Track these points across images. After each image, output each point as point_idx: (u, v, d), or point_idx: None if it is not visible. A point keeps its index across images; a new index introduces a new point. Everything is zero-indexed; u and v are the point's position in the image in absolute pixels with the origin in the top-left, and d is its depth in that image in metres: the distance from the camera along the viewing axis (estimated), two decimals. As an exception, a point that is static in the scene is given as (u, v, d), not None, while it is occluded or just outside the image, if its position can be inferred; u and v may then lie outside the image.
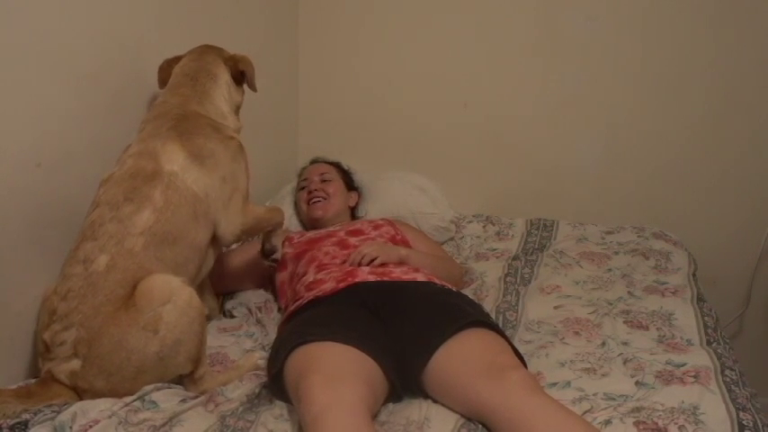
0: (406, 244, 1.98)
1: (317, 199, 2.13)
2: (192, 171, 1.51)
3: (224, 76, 1.68)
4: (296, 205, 2.29)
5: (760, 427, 1.28)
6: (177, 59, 1.72)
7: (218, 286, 1.91)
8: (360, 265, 1.75)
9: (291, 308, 1.66)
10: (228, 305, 1.91)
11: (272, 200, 2.42)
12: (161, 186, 1.46)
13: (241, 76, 1.72)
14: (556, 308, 1.82)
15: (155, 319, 1.34)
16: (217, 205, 1.55)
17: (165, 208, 1.45)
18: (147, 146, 1.51)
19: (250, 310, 1.86)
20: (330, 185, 2.16)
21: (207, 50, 1.72)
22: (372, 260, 1.75)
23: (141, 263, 1.40)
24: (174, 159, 1.50)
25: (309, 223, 2.19)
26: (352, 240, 1.90)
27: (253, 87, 1.73)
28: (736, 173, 2.32)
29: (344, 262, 1.78)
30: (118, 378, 1.34)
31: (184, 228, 1.47)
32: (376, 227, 2.01)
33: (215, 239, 1.60)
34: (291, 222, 2.29)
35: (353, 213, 2.27)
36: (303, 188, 2.20)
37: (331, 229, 2.02)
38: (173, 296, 1.37)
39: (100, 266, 1.37)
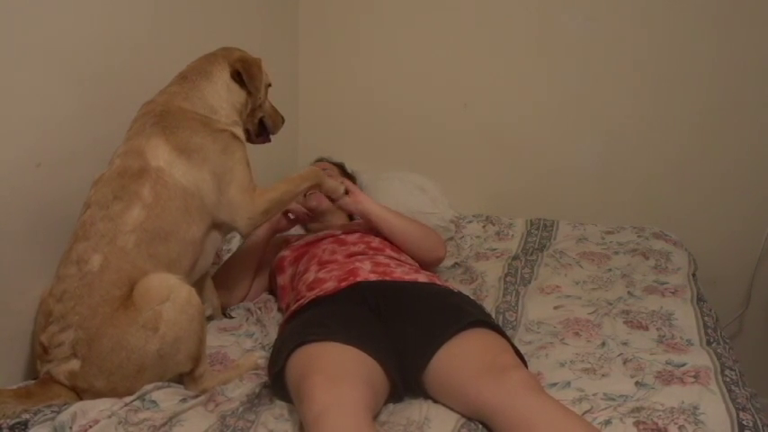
0: None
1: (313, 191, 2.13)
2: (180, 165, 1.50)
3: (222, 75, 1.65)
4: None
5: (760, 427, 1.28)
6: None
7: (234, 298, 1.92)
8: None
9: (293, 307, 1.66)
10: (227, 310, 1.91)
11: (272, 200, 2.42)
12: (149, 183, 1.46)
13: (239, 75, 1.69)
14: (556, 308, 1.81)
15: (154, 318, 1.34)
16: (211, 198, 1.54)
17: (154, 204, 1.45)
18: (132, 144, 1.51)
19: (249, 311, 1.86)
20: None
21: (217, 51, 1.70)
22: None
23: (134, 261, 1.40)
24: (159, 155, 1.49)
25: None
26: (350, 238, 1.90)
27: (252, 88, 1.69)
28: (737, 173, 2.32)
29: (347, 257, 1.78)
30: (118, 377, 1.34)
31: (176, 223, 1.47)
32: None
33: (212, 233, 1.59)
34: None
35: (351, 215, 2.26)
36: None
37: (328, 230, 2.02)
38: (171, 294, 1.37)
39: (94, 266, 1.37)
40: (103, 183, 1.47)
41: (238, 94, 1.68)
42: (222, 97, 1.65)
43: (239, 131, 1.66)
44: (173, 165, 1.49)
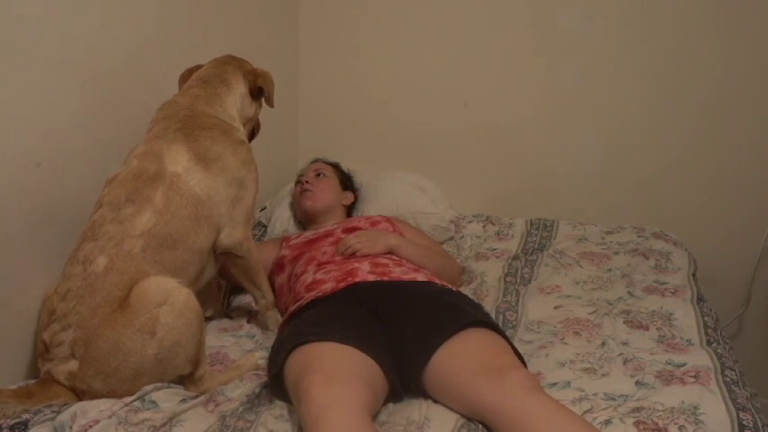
0: None
1: (308, 190, 2.14)
2: (196, 173, 1.50)
3: (239, 87, 1.67)
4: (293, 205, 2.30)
5: (760, 427, 1.28)
6: (198, 67, 1.72)
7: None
8: (343, 254, 1.78)
9: (292, 308, 1.66)
10: (227, 310, 1.91)
11: (272, 200, 2.43)
12: (162, 188, 1.46)
13: (258, 91, 1.71)
14: (556, 308, 1.81)
15: (151, 321, 1.34)
16: (220, 209, 1.54)
17: (164, 210, 1.45)
18: (152, 146, 1.51)
19: (250, 312, 1.86)
20: (323, 180, 2.18)
21: (228, 60, 1.71)
22: (357, 252, 1.79)
23: (139, 265, 1.40)
24: (178, 161, 1.50)
25: (302, 217, 2.20)
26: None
27: (270, 104, 1.73)
28: (737, 173, 2.32)
29: (344, 260, 1.78)
30: (115, 379, 1.34)
31: (184, 231, 1.47)
32: (373, 223, 2.02)
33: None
34: (290, 223, 2.29)
35: (349, 213, 2.27)
36: (298, 182, 2.22)
37: (328, 228, 2.02)
38: (169, 297, 1.36)
39: (98, 267, 1.37)
40: (118, 183, 1.47)
41: (249, 108, 1.71)
42: (237, 108, 1.67)
43: None
44: (189, 172, 1.50)
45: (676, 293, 1.87)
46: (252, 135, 1.81)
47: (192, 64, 1.75)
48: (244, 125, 1.71)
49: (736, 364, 1.50)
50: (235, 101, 1.66)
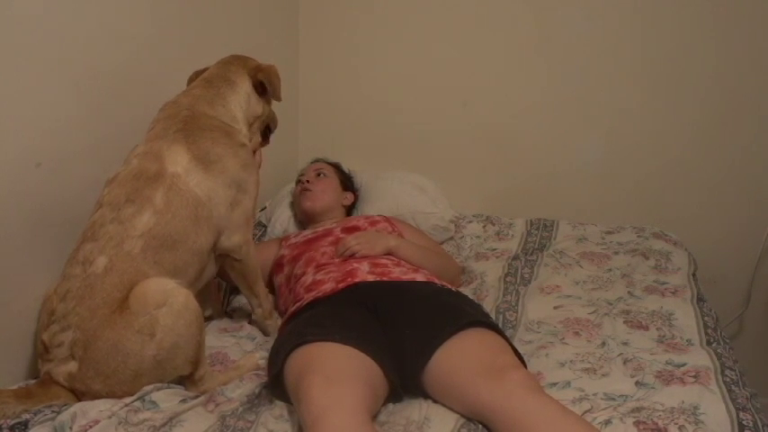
0: None
1: (308, 190, 2.14)
2: (196, 174, 1.50)
3: (244, 86, 1.67)
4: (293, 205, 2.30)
5: (760, 427, 1.28)
6: (206, 70, 1.71)
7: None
8: (342, 255, 1.78)
9: (291, 309, 1.66)
10: (227, 309, 1.91)
11: (272, 200, 2.43)
12: (163, 188, 1.46)
13: (263, 86, 1.70)
14: (556, 308, 1.81)
15: (150, 323, 1.33)
16: (219, 210, 1.54)
17: (165, 210, 1.45)
18: (153, 147, 1.51)
19: (249, 315, 1.86)
20: (323, 180, 2.18)
21: (232, 60, 1.71)
22: (356, 253, 1.78)
23: (139, 266, 1.39)
24: (178, 161, 1.49)
25: (302, 216, 2.20)
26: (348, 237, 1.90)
27: (277, 97, 1.72)
28: (737, 173, 2.32)
29: (343, 261, 1.78)
30: (115, 381, 1.34)
31: (184, 231, 1.47)
32: (372, 223, 2.02)
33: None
34: (290, 223, 2.29)
35: (349, 214, 2.27)
36: (299, 182, 2.22)
37: (327, 226, 2.02)
38: (168, 299, 1.36)
39: (98, 268, 1.37)
40: (118, 183, 1.47)
41: (256, 107, 1.70)
42: (242, 108, 1.66)
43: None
44: (189, 172, 1.49)
45: (676, 293, 1.87)
46: (268, 131, 1.81)
47: (192, 64, 1.75)
48: (252, 123, 1.71)
49: (736, 364, 1.50)
50: (239, 100, 1.65)
